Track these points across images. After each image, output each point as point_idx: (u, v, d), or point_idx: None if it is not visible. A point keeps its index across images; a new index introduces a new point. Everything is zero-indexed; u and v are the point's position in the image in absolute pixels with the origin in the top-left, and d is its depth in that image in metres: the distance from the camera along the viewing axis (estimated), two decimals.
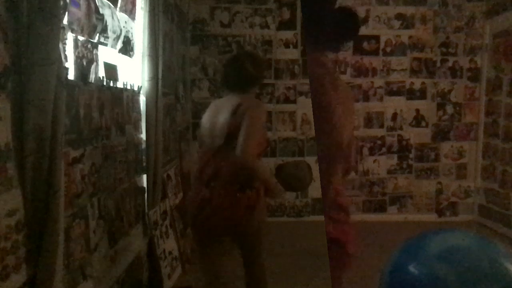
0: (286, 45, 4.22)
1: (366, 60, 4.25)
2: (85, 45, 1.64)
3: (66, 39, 1.44)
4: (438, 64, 4.28)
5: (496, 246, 0.75)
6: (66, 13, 1.43)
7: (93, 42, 1.72)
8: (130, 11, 2.23)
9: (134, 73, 2.38)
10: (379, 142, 4.33)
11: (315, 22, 1.74)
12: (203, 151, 1.96)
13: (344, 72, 4.25)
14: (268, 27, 4.19)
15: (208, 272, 2.03)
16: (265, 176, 1.92)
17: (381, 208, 4.39)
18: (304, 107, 4.24)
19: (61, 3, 1.22)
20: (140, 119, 2.44)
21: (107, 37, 1.89)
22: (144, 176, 2.48)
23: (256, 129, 1.79)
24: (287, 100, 4.26)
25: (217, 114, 1.88)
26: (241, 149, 1.71)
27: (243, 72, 1.89)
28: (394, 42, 4.24)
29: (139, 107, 2.43)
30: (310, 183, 2.08)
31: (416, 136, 4.35)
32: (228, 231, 1.89)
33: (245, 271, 2.08)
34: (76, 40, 1.55)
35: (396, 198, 4.40)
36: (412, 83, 4.29)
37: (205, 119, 1.94)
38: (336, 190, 1.83)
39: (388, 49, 4.25)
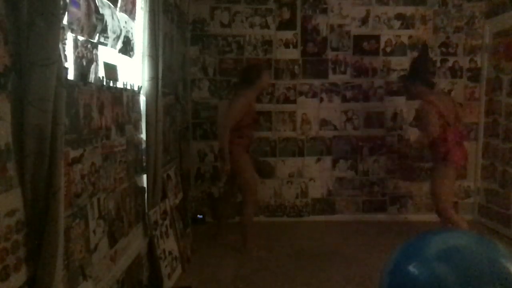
0: (286, 45, 4.22)
1: (366, 60, 4.25)
2: (85, 45, 1.64)
3: (66, 39, 1.44)
4: (438, 64, 4.29)
5: (496, 246, 0.75)
6: (66, 13, 1.43)
7: (93, 42, 1.72)
8: (130, 11, 2.23)
9: (134, 73, 2.37)
10: (379, 142, 4.34)
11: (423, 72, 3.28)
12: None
13: (344, 72, 4.26)
14: (268, 27, 4.19)
15: (224, 192, 3.83)
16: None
17: (381, 208, 4.39)
18: (304, 107, 4.25)
19: (61, 3, 1.22)
20: (140, 119, 2.44)
21: (107, 37, 1.89)
22: (144, 176, 2.48)
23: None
24: (287, 100, 4.27)
25: None
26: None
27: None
28: (394, 42, 4.24)
29: (139, 107, 2.43)
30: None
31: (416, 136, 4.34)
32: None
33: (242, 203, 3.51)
34: (76, 40, 1.55)
35: (396, 198, 4.40)
36: None
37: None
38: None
39: (388, 49, 4.25)
